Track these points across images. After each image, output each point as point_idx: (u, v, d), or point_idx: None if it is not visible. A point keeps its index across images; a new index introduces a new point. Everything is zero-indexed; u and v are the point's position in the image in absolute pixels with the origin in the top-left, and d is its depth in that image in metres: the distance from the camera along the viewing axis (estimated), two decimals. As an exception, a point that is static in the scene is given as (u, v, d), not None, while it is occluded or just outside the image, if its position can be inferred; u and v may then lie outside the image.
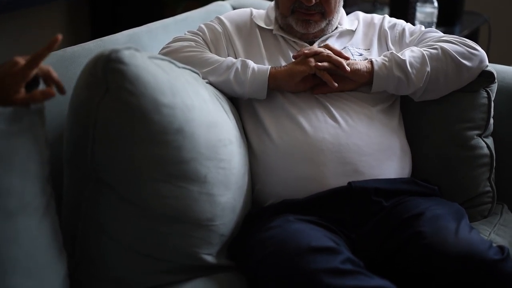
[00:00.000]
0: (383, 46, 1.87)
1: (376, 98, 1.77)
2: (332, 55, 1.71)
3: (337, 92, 1.73)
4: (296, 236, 1.46)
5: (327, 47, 1.74)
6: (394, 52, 1.75)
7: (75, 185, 1.45)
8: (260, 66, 1.72)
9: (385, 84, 1.74)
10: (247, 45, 1.84)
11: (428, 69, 1.72)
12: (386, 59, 1.73)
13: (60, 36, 1.30)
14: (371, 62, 1.73)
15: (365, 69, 1.72)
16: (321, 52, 1.71)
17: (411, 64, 1.71)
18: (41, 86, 1.36)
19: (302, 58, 1.72)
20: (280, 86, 1.72)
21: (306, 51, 1.71)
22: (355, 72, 1.72)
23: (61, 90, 1.36)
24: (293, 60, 1.75)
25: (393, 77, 1.72)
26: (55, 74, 1.35)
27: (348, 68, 1.69)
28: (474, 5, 3.40)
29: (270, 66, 1.72)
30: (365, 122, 1.71)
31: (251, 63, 1.72)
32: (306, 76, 1.71)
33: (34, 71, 1.30)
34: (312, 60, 1.70)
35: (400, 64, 1.71)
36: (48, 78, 1.35)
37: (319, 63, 1.70)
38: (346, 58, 1.72)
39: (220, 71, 1.71)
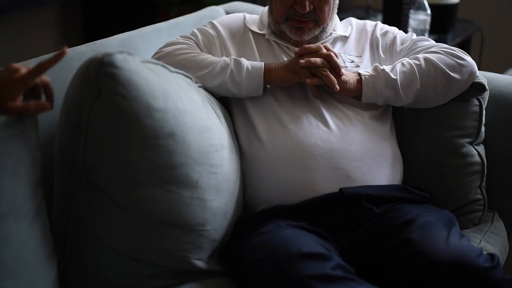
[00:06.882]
0: (375, 53, 1.87)
1: (368, 104, 1.77)
2: (327, 73, 1.69)
3: (330, 97, 1.74)
4: (287, 242, 1.46)
5: (329, 57, 1.70)
6: (386, 69, 1.73)
7: (67, 188, 1.45)
8: (254, 64, 1.72)
9: (373, 100, 1.75)
10: (240, 49, 1.84)
11: (418, 86, 1.72)
12: (376, 74, 1.73)
13: (66, 50, 1.30)
14: (360, 78, 1.72)
15: (352, 86, 1.72)
16: (318, 67, 1.70)
17: (402, 82, 1.71)
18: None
19: (296, 65, 1.71)
20: (273, 84, 1.73)
21: (302, 62, 1.69)
22: (343, 90, 1.71)
23: (50, 105, 1.37)
24: (295, 55, 1.74)
25: (381, 95, 1.73)
26: (52, 87, 1.36)
27: (337, 87, 1.69)
28: (467, 13, 3.41)
29: (263, 64, 1.72)
30: (357, 127, 1.71)
31: (244, 62, 1.72)
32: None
33: (35, 81, 1.30)
34: (305, 72, 1.70)
35: (391, 83, 1.71)
36: (45, 90, 1.35)
37: (309, 80, 1.69)
38: (339, 70, 1.71)
39: (215, 74, 1.71)
